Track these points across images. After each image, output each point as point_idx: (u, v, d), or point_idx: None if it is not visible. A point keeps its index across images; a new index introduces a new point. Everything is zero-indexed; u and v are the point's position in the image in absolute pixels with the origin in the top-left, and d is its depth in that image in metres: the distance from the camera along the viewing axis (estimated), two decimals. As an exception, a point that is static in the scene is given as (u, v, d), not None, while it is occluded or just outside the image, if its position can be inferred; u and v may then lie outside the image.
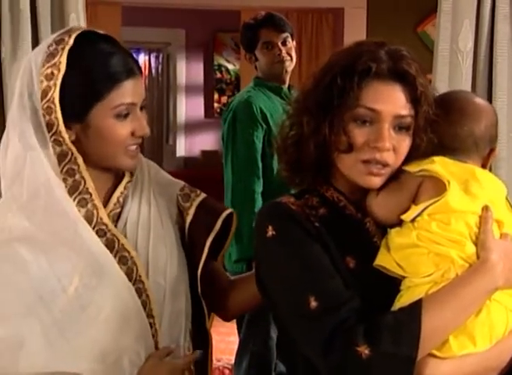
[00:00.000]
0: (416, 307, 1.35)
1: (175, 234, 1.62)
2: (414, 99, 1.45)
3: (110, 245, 1.52)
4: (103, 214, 1.53)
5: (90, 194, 1.52)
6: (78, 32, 1.51)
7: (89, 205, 1.52)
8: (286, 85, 3.37)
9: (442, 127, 1.49)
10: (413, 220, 1.43)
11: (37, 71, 1.48)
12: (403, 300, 1.40)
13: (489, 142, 1.52)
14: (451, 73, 2.50)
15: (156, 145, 8.27)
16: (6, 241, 1.49)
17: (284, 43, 3.32)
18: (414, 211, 1.42)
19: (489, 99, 2.47)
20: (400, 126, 1.45)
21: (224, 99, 7.88)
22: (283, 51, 3.30)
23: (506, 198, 1.50)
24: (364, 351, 1.32)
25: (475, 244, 1.40)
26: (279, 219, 1.47)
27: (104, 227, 1.53)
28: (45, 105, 1.47)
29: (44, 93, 1.47)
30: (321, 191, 1.53)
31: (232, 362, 3.48)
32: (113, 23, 5.72)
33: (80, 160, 1.50)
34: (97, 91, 1.48)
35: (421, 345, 1.32)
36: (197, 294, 1.61)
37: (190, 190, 1.66)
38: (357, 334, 1.33)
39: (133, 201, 1.58)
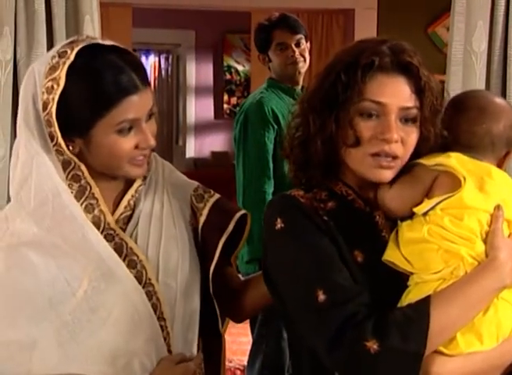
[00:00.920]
0: (424, 303, 1.35)
1: (188, 235, 1.60)
2: (419, 90, 1.46)
3: (119, 250, 1.52)
4: (110, 219, 1.53)
5: (97, 200, 1.52)
6: (81, 45, 1.48)
7: (96, 211, 1.52)
8: (299, 86, 3.36)
9: (460, 124, 1.49)
10: (425, 214, 1.42)
11: (40, 82, 1.47)
12: (411, 296, 1.40)
13: (506, 143, 1.52)
14: (465, 74, 2.50)
15: (166, 146, 8.29)
16: (15, 246, 1.49)
17: (298, 44, 3.32)
18: (427, 204, 1.42)
19: (503, 100, 2.47)
20: (406, 118, 1.45)
21: (233, 100, 7.90)
22: (297, 53, 3.30)
23: None
24: (373, 346, 1.32)
25: (485, 242, 1.40)
26: (288, 211, 1.46)
27: (112, 232, 1.53)
28: (46, 118, 1.47)
29: (45, 105, 1.46)
30: (329, 186, 1.52)
31: (244, 363, 3.48)
32: (124, 24, 5.75)
33: (83, 167, 1.50)
34: (98, 109, 1.45)
35: (428, 342, 1.32)
36: (210, 296, 1.60)
37: (203, 190, 1.65)
38: (366, 329, 1.33)
39: (145, 202, 1.57)
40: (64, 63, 1.45)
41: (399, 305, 1.40)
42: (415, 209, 1.43)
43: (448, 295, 1.36)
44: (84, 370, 1.45)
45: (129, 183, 1.58)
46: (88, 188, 1.51)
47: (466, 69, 2.50)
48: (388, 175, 1.46)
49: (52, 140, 1.48)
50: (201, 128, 7.97)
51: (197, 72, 7.93)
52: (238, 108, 3.44)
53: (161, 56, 8.76)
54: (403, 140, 1.45)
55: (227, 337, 1.70)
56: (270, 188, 3.21)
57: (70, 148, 1.49)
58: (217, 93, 7.94)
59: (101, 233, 1.51)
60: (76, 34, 2.43)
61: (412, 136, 1.46)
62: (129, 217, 1.57)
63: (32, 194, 1.49)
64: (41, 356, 1.44)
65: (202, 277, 1.61)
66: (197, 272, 1.60)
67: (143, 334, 1.49)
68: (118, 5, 5.61)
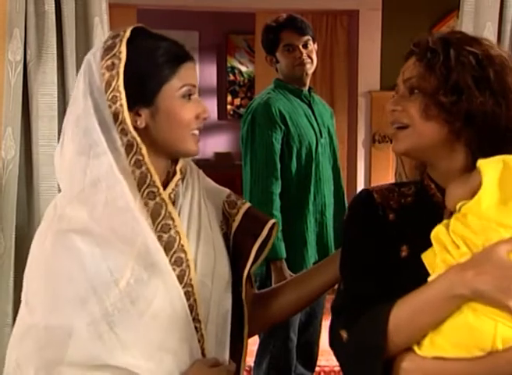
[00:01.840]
0: (390, 303, 1.41)
1: (221, 238, 1.63)
2: (425, 59, 1.49)
3: (170, 244, 1.52)
4: (171, 209, 1.53)
5: (158, 188, 1.52)
6: (132, 27, 1.54)
7: (157, 199, 1.52)
8: (307, 87, 3.37)
9: None
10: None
11: (96, 66, 1.50)
12: None
13: None
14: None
15: (169, 147, 8.28)
16: (64, 231, 1.49)
17: (305, 46, 3.32)
18: (458, 205, 1.41)
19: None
20: (410, 88, 1.51)
21: (237, 101, 7.90)
22: (304, 54, 3.30)
23: None
24: (344, 335, 1.45)
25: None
26: (353, 206, 1.60)
27: (170, 222, 1.53)
28: (110, 96, 1.48)
29: (108, 84, 1.49)
30: (424, 181, 1.58)
31: (251, 363, 3.48)
32: (129, 25, 5.72)
33: (144, 150, 1.51)
34: (163, 74, 1.52)
35: (389, 338, 1.39)
36: (237, 300, 1.62)
37: (236, 197, 1.70)
38: (342, 318, 1.47)
39: (184, 199, 1.58)
40: (121, 40, 1.51)
41: None
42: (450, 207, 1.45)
43: (408, 296, 1.40)
44: (122, 362, 1.45)
45: (169, 176, 1.59)
46: (149, 176, 1.52)
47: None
48: (398, 145, 1.53)
49: (117, 120, 1.49)
50: (205, 129, 7.72)
51: (201, 73, 7.92)
52: (245, 109, 3.43)
53: (165, 57, 8.77)
54: (406, 108, 1.50)
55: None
56: (277, 189, 3.21)
57: (138, 122, 1.51)
58: (220, 94, 7.94)
59: (160, 222, 1.52)
60: (86, 36, 2.47)
61: (414, 103, 1.49)
62: None
63: (87, 182, 1.49)
64: (79, 344, 1.44)
65: (232, 281, 1.63)
66: (229, 274, 1.62)
67: (178, 333, 1.49)
68: (122, 6, 5.61)
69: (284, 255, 3.19)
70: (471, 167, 1.46)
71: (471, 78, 1.45)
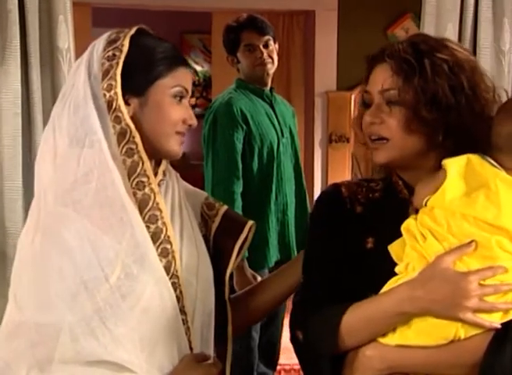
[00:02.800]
0: (345, 306, 1.46)
1: (202, 240, 1.65)
2: (403, 71, 1.50)
3: (157, 234, 1.53)
4: (160, 199, 1.54)
5: (148, 177, 1.53)
6: (137, 26, 1.60)
7: (146, 189, 1.52)
8: (268, 87, 3.39)
9: (492, 126, 1.49)
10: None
11: (97, 55, 1.54)
12: (385, 287, 1.47)
13: None
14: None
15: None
16: (53, 226, 1.48)
17: (266, 45, 3.35)
18: (423, 200, 1.48)
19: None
20: (388, 101, 1.52)
21: (192, 101, 7.88)
22: (265, 54, 3.33)
23: None
24: (299, 335, 1.52)
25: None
26: (320, 200, 1.65)
27: (157, 213, 1.53)
28: (105, 84, 1.51)
29: (106, 72, 1.52)
30: (392, 178, 1.62)
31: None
32: (83, 23, 5.69)
33: (137, 139, 1.52)
34: (159, 68, 1.56)
35: (340, 341, 1.46)
36: (219, 300, 1.64)
37: (213, 200, 1.76)
38: (299, 318, 1.54)
39: (166, 201, 1.58)
40: (125, 35, 1.56)
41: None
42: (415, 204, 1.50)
43: (361, 304, 1.45)
44: (116, 357, 1.45)
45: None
46: (140, 164, 1.52)
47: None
48: (379, 157, 1.55)
49: (111, 107, 1.51)
50: (159, 128, 7.91)
51: (155, 72, 7.89)
52: (206, 109, 3.44)
53: (119, 56, 8.71)
54: (385, 121, 1.51)
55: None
56: (239, 188, 3.22)
57: (126, 110, 1.52)
58: (175, 93, 7.92)
59: (147, 212, 1.52)
60: (50, 34, 2.44)
61: (394, 116, 1.50)
62: None
63: (79, 170, 1.49)
64: (72, 341, 1.43)
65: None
66: (212, 274, 1.63)
67: (167, 323, 1.50)
68: (76, 4, 5.52)
69: (246, 254, 3.20)
70: (440, 167, 1.50)
71: (447, 87, 1.48)
